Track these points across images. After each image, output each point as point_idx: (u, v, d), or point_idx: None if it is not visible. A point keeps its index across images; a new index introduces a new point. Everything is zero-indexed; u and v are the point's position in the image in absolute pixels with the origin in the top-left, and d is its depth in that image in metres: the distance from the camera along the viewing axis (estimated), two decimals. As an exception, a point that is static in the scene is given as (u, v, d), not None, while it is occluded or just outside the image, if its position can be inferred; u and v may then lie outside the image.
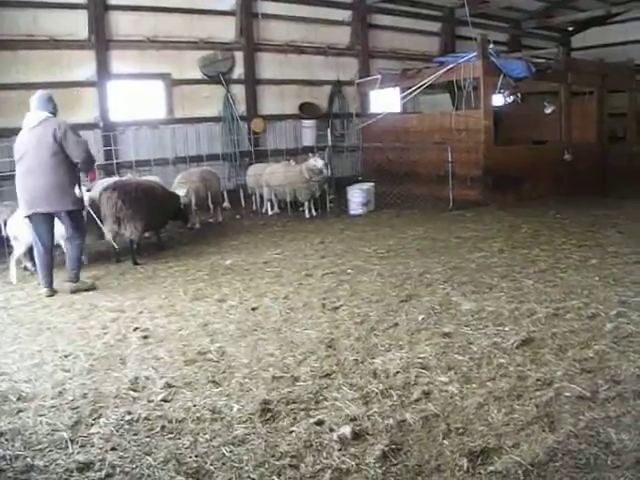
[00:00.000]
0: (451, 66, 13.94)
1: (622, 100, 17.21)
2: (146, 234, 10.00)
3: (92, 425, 4.06)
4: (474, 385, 4.49)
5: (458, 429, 3.87)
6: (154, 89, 14.03)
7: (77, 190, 7.51)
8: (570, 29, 23.21)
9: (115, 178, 11.20)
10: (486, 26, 18.86)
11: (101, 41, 12.84)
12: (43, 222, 7.44)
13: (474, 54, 13.71)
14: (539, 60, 14.97)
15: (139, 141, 13.20)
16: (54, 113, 7.77)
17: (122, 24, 13.17)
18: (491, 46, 14.00)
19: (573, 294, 6.67)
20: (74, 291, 7.49)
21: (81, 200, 7.69)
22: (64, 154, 7.38)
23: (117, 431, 3.96)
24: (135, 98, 13.78)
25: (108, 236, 9.01)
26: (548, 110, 15.47)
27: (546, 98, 16.19)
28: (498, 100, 15.20)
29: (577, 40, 23.40)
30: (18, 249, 8.09)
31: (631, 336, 5.34)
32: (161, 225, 10.07)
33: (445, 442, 3.73)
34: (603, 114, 16.34)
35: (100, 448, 3.77)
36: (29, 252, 8.22)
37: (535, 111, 16.30)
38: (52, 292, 7.45)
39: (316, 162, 12.22)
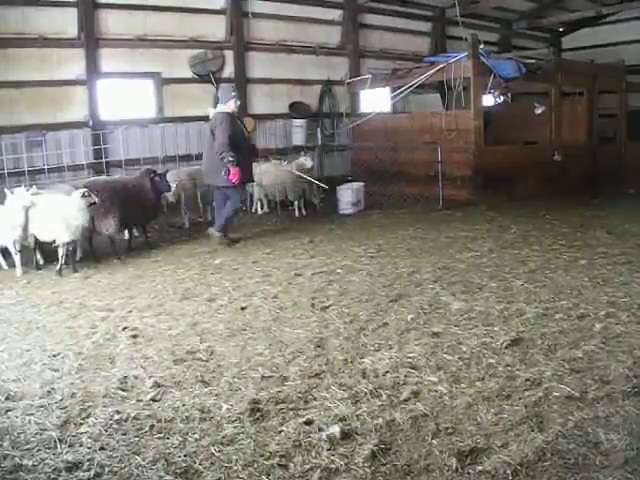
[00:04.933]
0: (441, 66, 13.96)
1: (612, 101, 17.29)
2: (136, 233, 10.00)
3: (81, 425, 4.05)
4: (463, 385, 4.50)
5: (447, 429, 3.88)
6: (144, 88, 13.98)
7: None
8: (561, 30, 23.25)
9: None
10: (477, 26, 18.85)
11: (91, 39, 12.77)
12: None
13: (464, 54, 13.74)
14: (529, 61, 15.02)
15: (129, 140, 13.13)
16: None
17: (112, 22, 13.10)
18: (481, 46, 14.03)
19: (562, 294, 6.70)
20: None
21: None
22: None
23: (106, 431, 3.95)
24: (125, 97, 13.72)
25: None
26: (538, 111, 15.51)
27: (536, 99, 16.25)
28: (488, 100, 15.23)
29: (568, 41, 23.45)
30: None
31: (620, 336, 5.37)
32: (141, 221, 10.03)
33: (434, 442, 3.73)
34: (593, 115, 16.41)
35: (89, 448, 3.75)
36: (39, 246, 8.47)
37: (525, 112, 16.35)
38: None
39: (305, 161, 12.24)
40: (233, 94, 10.09)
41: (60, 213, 8.11)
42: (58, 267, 8.24)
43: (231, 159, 9.43)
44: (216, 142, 9.54)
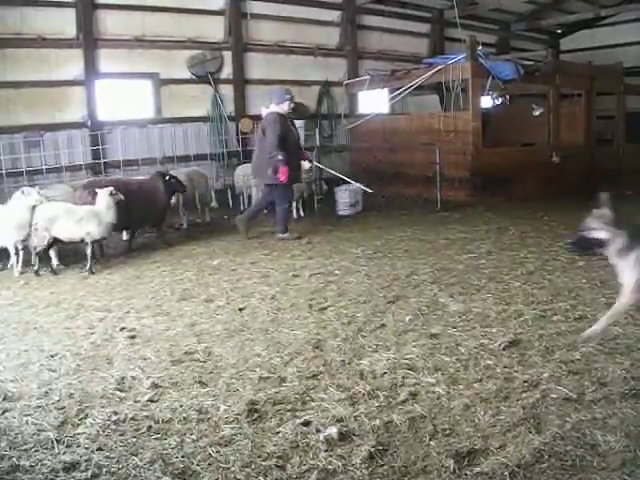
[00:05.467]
0: (440, 67, 14.00)
1: (610, 102, 17.31)
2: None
3: (78, 425, 4.04)
4: (461, 386, 4.50)
5: (445, 430, 3.88)
6: (142, 88, 13.99)
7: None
8: (559, 31, 23.33)
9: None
10: (475, 28, 18.88)
11: (89, 40, 12.80)
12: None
13: (463, 56, 13.78)
14: (528, 62, 15.04)
15: (127, 140, 13.16)
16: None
17: (110, 23, 13.14)
18: (480, 48, 14.08)
19: (560, 296, 6.70)
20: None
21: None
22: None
23: (103, 431, 3.95)
24: (123, 97, 13.73)
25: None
26: (536, 112, 15.56)
27: (534, 100, 16.27)
28: (486, 102, 15.25)
29: (566, 42, 23.53)
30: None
31: (617, 338, 5.37)
32: (152, 222, 10.15)
33: (432, 443, 3.73)
34: (591, 116, 16.43)
35: (86, 448, 3.75)
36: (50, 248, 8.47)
37: (523, 113, 16.36)
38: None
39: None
40: (287, 96, 10.34)
41: (92, 211, 8.40)
42: (88, 266, 8.36)
43: (281, 158, 9.79)
44: (266, 141, 9.95)
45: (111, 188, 8.61)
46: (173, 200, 10.85)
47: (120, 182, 9.69)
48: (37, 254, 8.25)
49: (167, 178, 10.03)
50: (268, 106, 10.35)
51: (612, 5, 20.03)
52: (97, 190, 8.68)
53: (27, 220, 8.08)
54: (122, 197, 8.65)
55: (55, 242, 8.37)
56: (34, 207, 8.13)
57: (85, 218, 8.29)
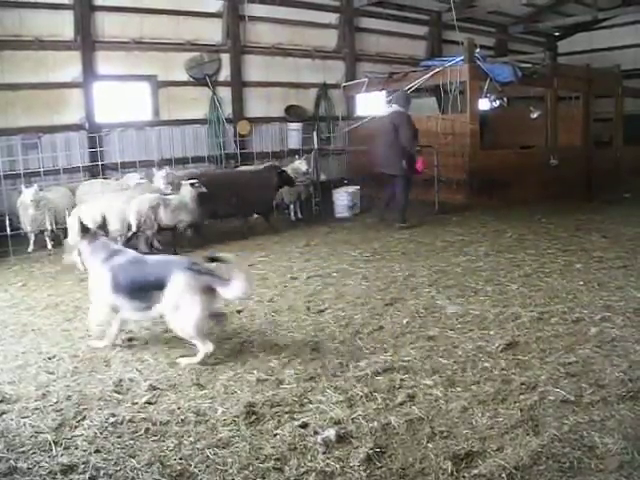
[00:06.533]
0: (438, 70, 14.03)
1: (608, 105, 17.34)
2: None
3: (76, 427, 4.05)
4: (458, 389, 4.51)
5: (442, 432, 3.89)
6: (140, 91, 13.97)
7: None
8: (557, 34, 23.36)
9: (100, 179, 11.26)
10: (473, 30, 18.87)
11: (87, 42, 12.76)
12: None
13: (461, 58, 13.80)
14: (526, 65, 15.06)
15: (125, 143, 13.13)
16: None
17: (108, 25, 13.09)
18: (478, 50, 14.11)
19: (557, 298, 6.72)
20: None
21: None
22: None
23: (101, 433, 3.95)
24: (121, 99, 13.70)
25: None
26: (534, 115, 15.56)
27: (532, 103, 16.29)
28: (484, 104, 15.26)
29: (564, 45, 23.58)
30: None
31: (615, 340, 5.39)
32: (261, 211, 11.41)
33: (429, 445, 3.74)
34: (589, 119, 16.46)
35: (84, 450, 3.75)
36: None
37: (521, 116, 16.38)
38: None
39: (301, 165, 12.26)
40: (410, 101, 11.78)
41: (182, 201, 9.72)
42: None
43: (418, 149, 11.42)
44: (402, 137, 11.05)
45: (195, 181, 9.86)
46: None
47: (232, 173, 11.52)
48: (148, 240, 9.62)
49: (279, 171, 11.23)
50: (391, 106, 11.75)
51: (610, 8, 20.08)
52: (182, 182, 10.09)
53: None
54: (204, 190, 9.82)
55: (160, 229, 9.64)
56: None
57: (178, 207, 9.59)
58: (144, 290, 5.15)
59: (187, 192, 9.79)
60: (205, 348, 5.07)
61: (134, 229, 9.33)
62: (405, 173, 11.22)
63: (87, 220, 8.20)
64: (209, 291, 5.04)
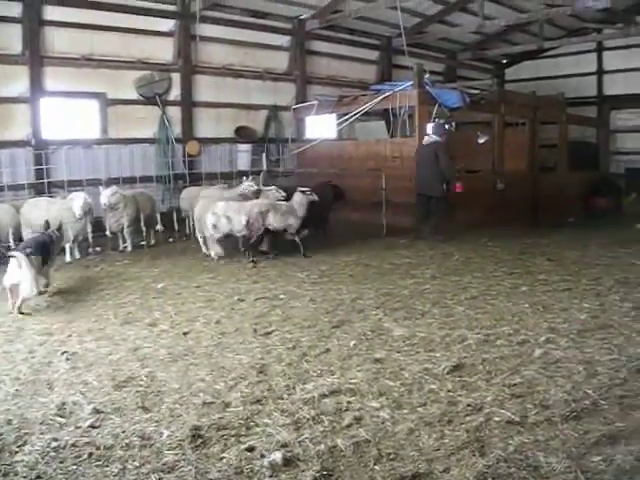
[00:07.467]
0: (387, 94, 14.20)
1: (553, 131, 17.77)
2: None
3: (16, 452, 3.96)
4: (405, 410, 4.54)
5: (389, 454, 3.92)
6: (88, 108, 13.83)
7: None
8: (504, 62, 24.11)
9: (45, 197, 11.08)
10: (423, 56, 19.25)
11: (35, 57, 12.61)
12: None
13: (410, 83, 14.02)
14: (473, 91, 15.32)
15: (72, 160, 12.96)
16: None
17: (58, 40, 12.96)
18: (427, 75, 14.32)
19: (503, 320, 6.85)
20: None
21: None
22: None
23: (42, 459, 3.87)
24: (69, 116, 13.54)
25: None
26: (481, 140, 15.80)
27: (480, 128, 16.56)
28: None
29: (511, 72, 24.38)
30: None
31: (559, 362, 5.51)
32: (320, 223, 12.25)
33: (376, 467, 3.77)
34: (535, 145, 16.82)
35: (24, 477, 3.68)
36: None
37: (468, 140, 16.64)
38: None
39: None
40: (446, 129, 13.27)
41: (289, 207, 10.56)
42: (302, 252, 10.77)
43: (457, 174, 13.02)
44: (443, 163, 12.36)
45: (307, 189, 10.71)
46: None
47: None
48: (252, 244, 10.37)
49: (334, 186, 12.50)
50: (431, 137, 12.71)
51: (555, 38, 21.01)
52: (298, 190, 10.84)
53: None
54: (316, 198, 10.69)
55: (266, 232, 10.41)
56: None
57: (287, 213, 10.42)
58: None
59: (298, 198, 10.61)
60: None
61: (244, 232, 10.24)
62: (444, 194, 12.45)
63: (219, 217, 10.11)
64: None
